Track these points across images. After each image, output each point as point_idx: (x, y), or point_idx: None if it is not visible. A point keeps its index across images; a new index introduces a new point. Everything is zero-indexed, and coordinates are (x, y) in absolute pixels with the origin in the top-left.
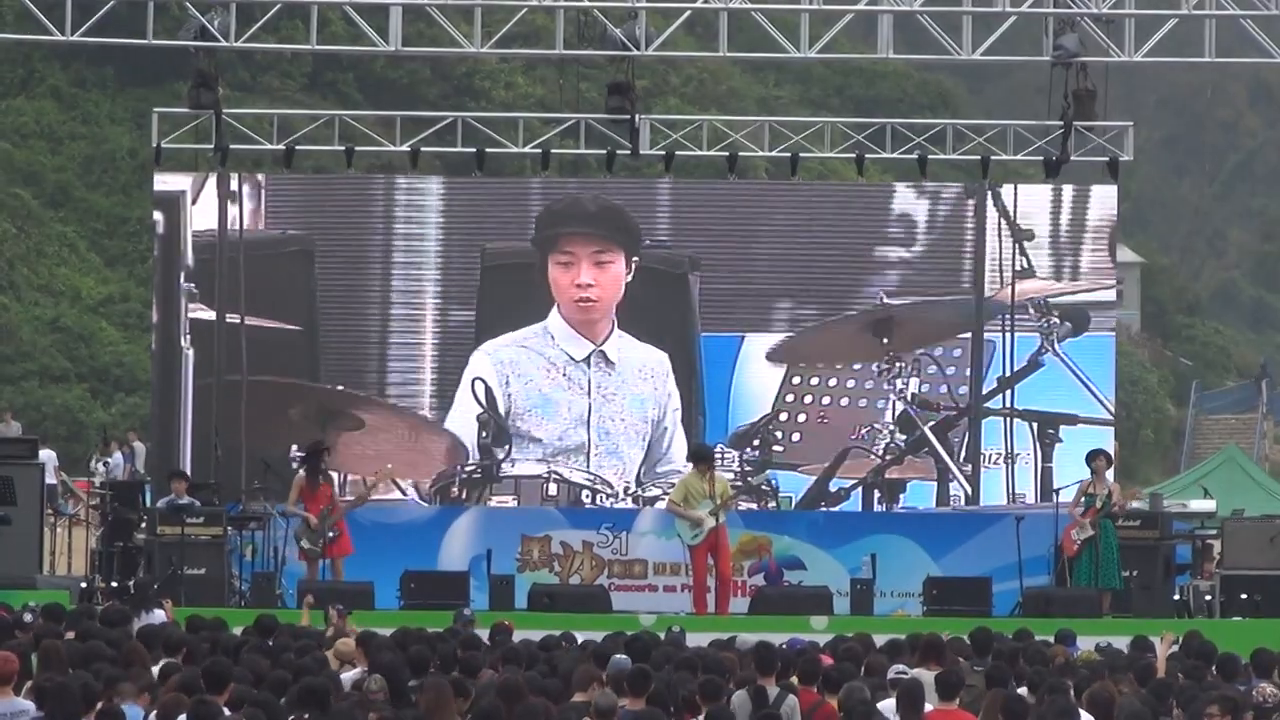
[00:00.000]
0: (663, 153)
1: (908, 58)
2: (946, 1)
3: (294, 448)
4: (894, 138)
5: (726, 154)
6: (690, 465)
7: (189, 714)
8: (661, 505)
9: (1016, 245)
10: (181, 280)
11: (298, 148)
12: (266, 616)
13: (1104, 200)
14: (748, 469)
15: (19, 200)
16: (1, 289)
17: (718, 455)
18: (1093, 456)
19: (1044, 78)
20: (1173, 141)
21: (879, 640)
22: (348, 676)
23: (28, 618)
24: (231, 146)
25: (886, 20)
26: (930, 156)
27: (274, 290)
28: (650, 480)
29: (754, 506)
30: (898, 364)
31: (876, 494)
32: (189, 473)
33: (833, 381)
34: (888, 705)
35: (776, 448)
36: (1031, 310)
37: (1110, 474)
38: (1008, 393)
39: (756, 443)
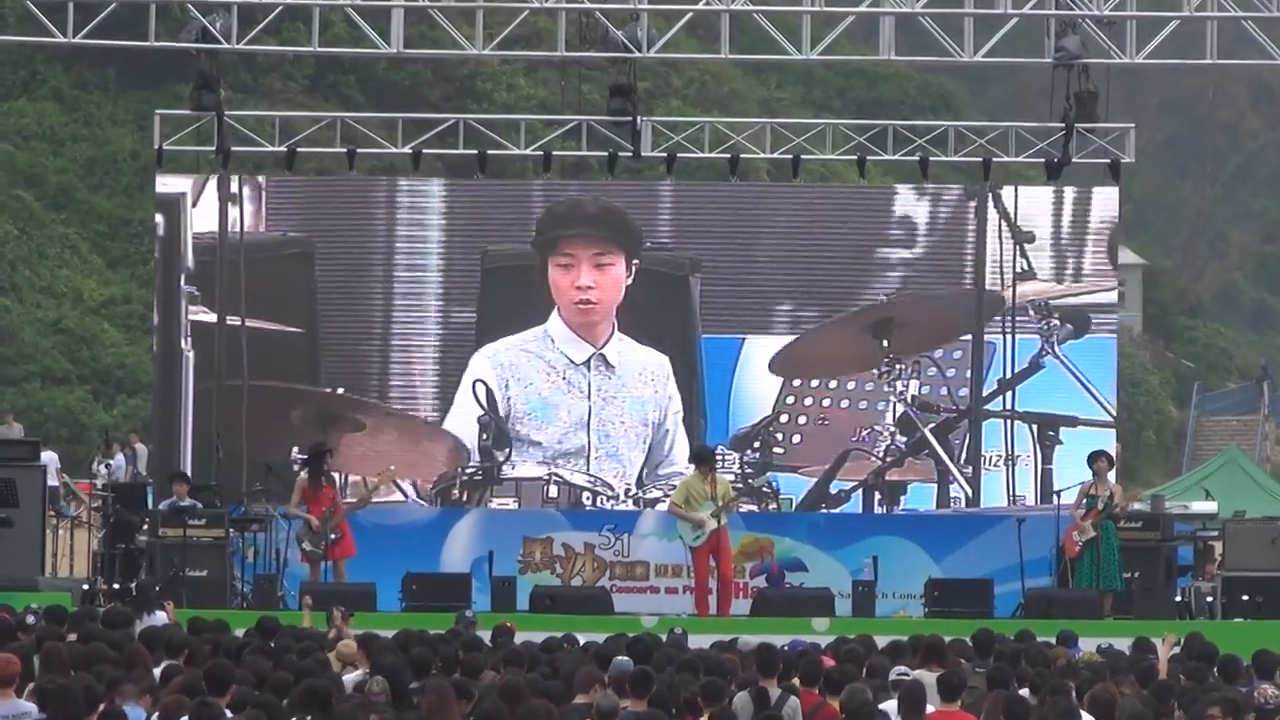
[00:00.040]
0: (664, 155)
1: (909, 59)
2: (948, 3)
3: (295, 450)
4: (895, 139)
5: (728, 156)
6: (692, 467)
7: (191, 716)
8: (663, 507)
9: (1017, 247)
10: (182, 282)
11: (299, 150)
12: (268, 618)
13: (1105, 202)
14: (748, 471)
15: (21, 202)
16: (3, 291)
17: (718, 457)
18: (1094, 458)
19: (1045, 79)
20: (1174, 143)
21: (881, 642)
22: (350, 678)
23: (30, 620)
24: (233, 149)
25: (888, 22)
26: (932, 158)
27: (275, 292)
28: (652, 482)
29: (755, 508)
30: (898, 366)
31: (877, 496)
32: (190, 475)
33: (833, 384)
34: (889, 707)
35: (777, 450)
36: (1032, 312)
37: (1112, 475)
38: (1008, 395)
39: (757, 445)
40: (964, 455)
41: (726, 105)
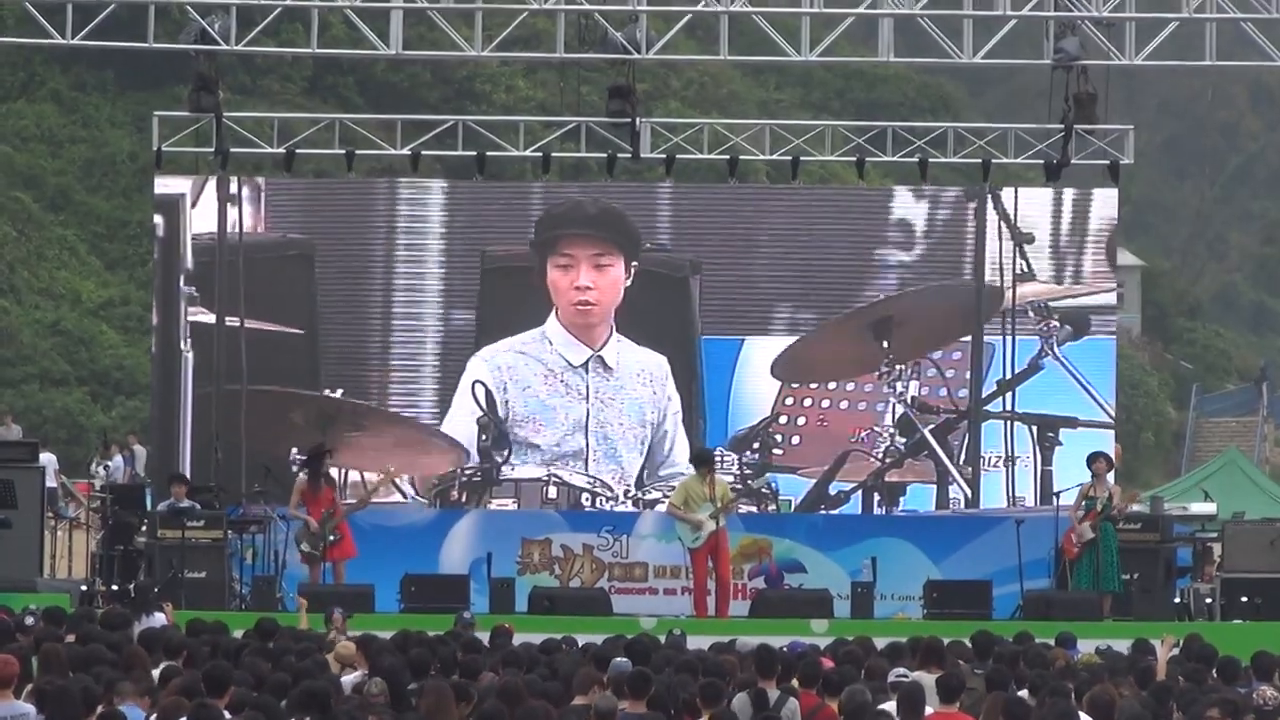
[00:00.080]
0: (663, 156)
1: (908, 61)
2: (947, 5)
3: (294, 451)
4: (894, 141)
5: (727, 157)
6: (692, 467)
7: (189, 717)
8: (661, 508)
9: (1017, 248)
10: (182, 284)
11: (298, 151)
12: (267, 620)
13: (1104, 203)
14: (748, 472)
15: (19, 204)
16: (2, 292)
17: (718, 458)
18: (1093, 459)
19: (1044, 81)
20: (1173, 145)
21: (879, 643)
22: (348, 680)
23: (28, 621)
24: (232, 150)
25: (887, 23)
26: (931, 160)
27: (274, 293)
28: (653, 483)
29: (754, 509)
30: (897, 367)
31: (876, 497)
32: (190, 476)
33: (832, 385)
34: (889, 708)
35: (776, 451)
36: (1031, 314)
37: (1111, 477)
38: (1007, 396)
39: (756, 446)
40: (963, 456)
41: (725, 107)
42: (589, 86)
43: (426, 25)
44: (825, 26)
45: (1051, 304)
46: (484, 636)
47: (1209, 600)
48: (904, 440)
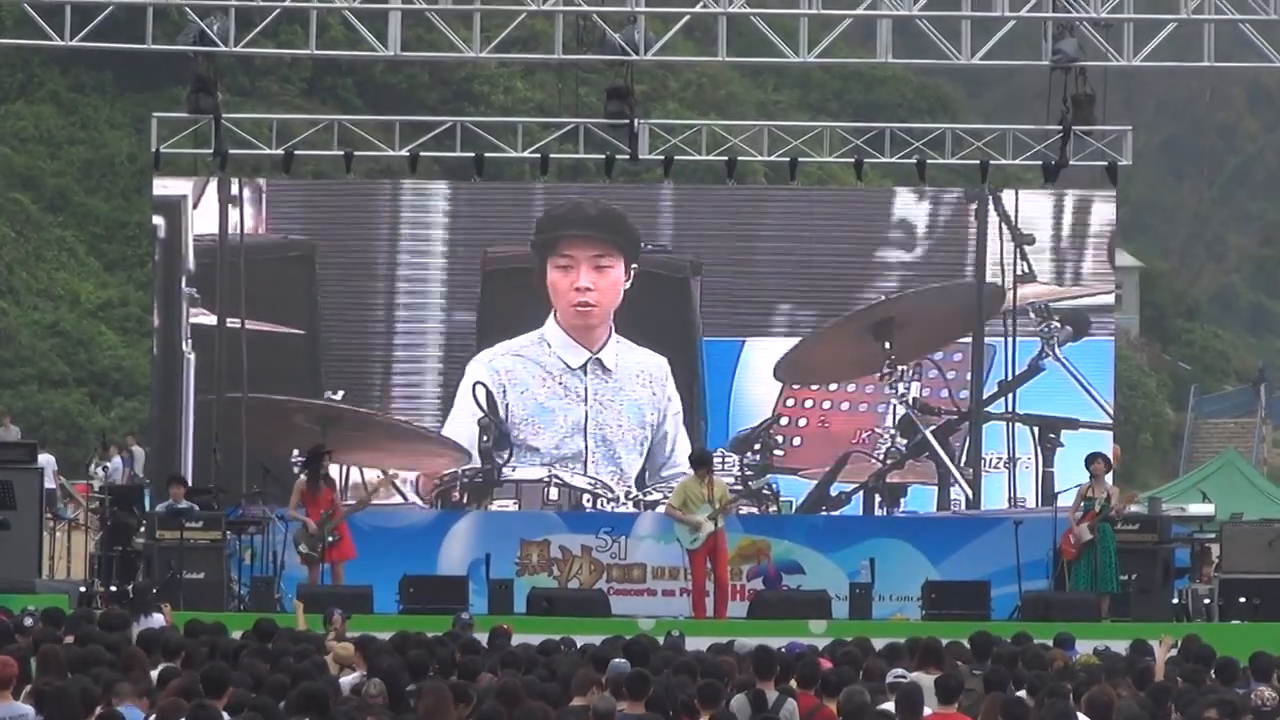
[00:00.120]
0: (661, 157)
1: (907, 62)
2: (945, 6)
3: (295, 452)
4: (893, 142)
5: (725, 158)
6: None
7: (188, 718)
8: (661, 510)
9: (1017, 249)
10: (183, 285)
11: (296, 153)
12: (265, 621)
13: (1103, 205)
14: (748, 473)
15: (18, 205)
16: (1, 294)
17: (718, 460)
18: (1091, 460)
19: (1043, 82)
20: (1171, 146)
21: (878, 644)
22: (347, 681)
23: (27, 622)
24: (230, 151)
25: (885, 25)
26: (929, 161)
27: (275, 294)
28: (654, 484)
29: (755, 511)
30: (899, 368)
31: (877, 498)
32: (189, 477)
33: (833, 386)
34: (887, 709)
35: (777, 452)
36: (1032, 314)
37: (1109, 478)
38: (1008, 397)
39: (757, 447)
40: (964, 457)
41: (724, 108)
42: (587, 88)
43: (425, 26)
44: (823, 28)
45: (1051, 305)
46: (482, 637)
47: (1207, 601)
48: (905, 441)
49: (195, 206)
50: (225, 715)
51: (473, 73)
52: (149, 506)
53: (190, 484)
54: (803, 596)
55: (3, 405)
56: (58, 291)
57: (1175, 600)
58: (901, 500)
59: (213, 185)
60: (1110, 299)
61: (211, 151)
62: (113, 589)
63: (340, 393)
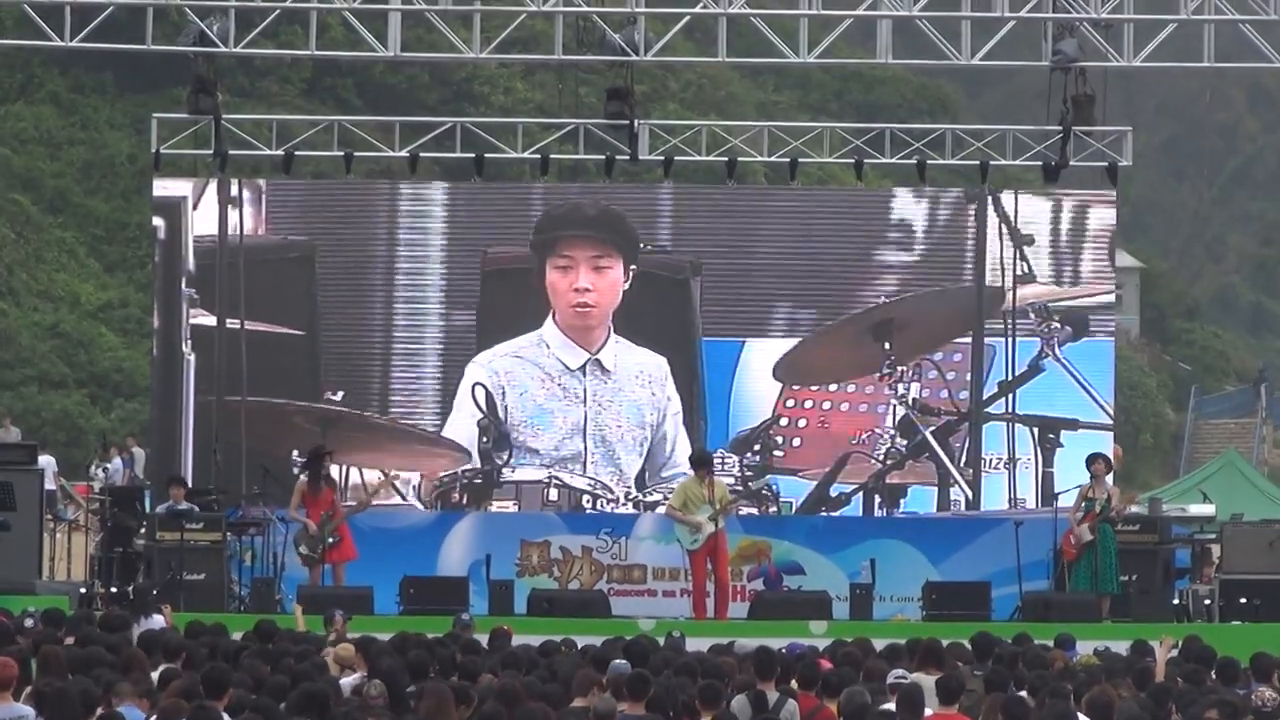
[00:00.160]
0: (661, 158)
1: (907, 63)
2: (945, 6)
3: (295, 453)
4: (893, 142)
5: (725, 159)
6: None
7: (188, 719)
8: (661, 510)
9: (1017, 250)
10: (183, 285)
11: (296, 153)
12: (266, 622)
13: (1103, 205)
14: (748, 474)
15: (18, 206)
16: (0, 295)
17: (718, 460)
18: (1092, 460)
19: (1043, 83)
20: (1171, 146)
21: (878, 645)
22: (347, 682)
23: (28, 623)
24: (231, 152)
25: (885, 25)
26: (929, 161)
27: (275, 295)
28: (654, 484)
29: (755, 511)
30: (899, 369)
31: (877, 499)
32: (189, 478)
33: (833, 386)
34: (888, 710)
35: (777, 453)
36: (1032, 315)
37: (1109, 478)
38: (1008, 397)
39: (757, 448)
40: (964, 458)
41: (723, 108)
42: (587, 88)
43: (425, 27)
44: (823, 28)
45: (1051, 305)
46: (483, 638)
47: (1207, 601)
48: (905, 442)
49: (195, 207)
50: (226, 716)
51: (473, 73)
52: (149, 508)
53: (190, 485)
54: (803, 597)
55: (3, 407)
56: (58, 293)
57: (1176, 601)
58: (901, 501)
59: (213, 186)
60: (1110, 299)
61: (211, 152)
62: (113, 590)
63: (340, 393)
